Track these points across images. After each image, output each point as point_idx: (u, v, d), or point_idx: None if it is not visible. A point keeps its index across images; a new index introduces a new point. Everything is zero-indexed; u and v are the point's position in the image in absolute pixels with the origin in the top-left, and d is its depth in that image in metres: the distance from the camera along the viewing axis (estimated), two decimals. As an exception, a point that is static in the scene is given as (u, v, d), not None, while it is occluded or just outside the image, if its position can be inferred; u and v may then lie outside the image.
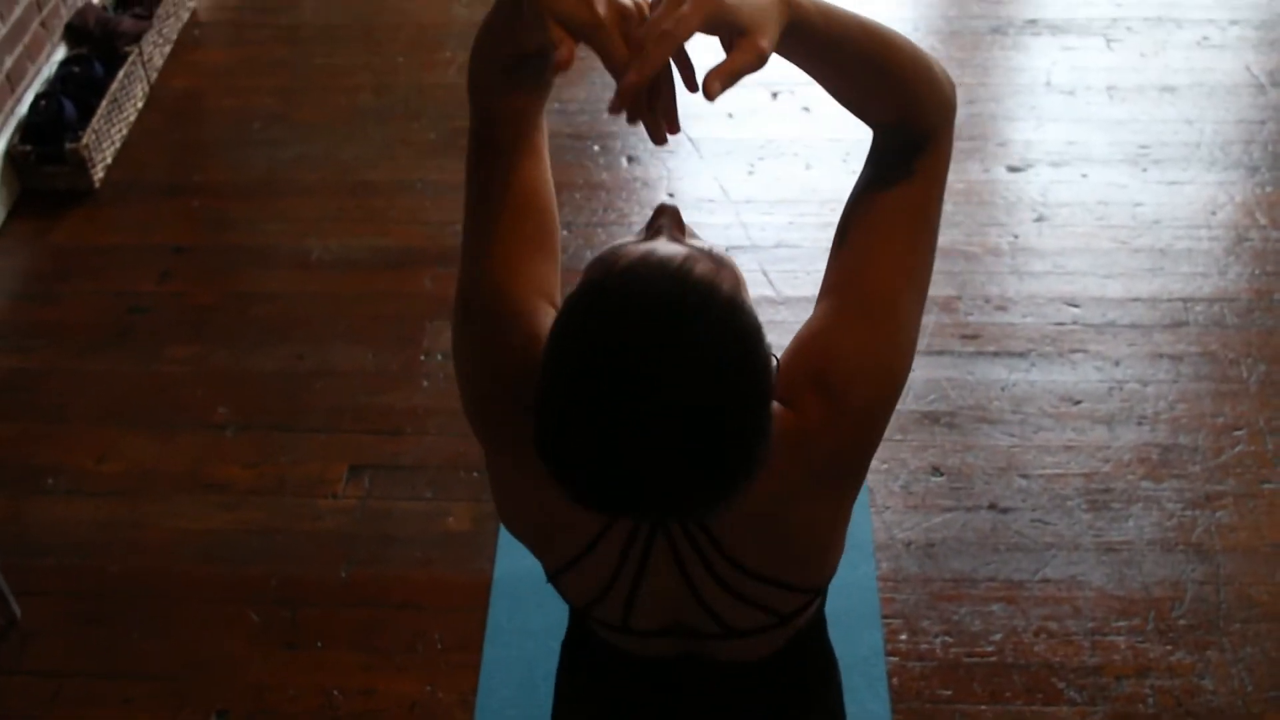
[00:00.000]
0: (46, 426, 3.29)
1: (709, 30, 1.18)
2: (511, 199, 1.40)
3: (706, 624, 1.49)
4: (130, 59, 4.19)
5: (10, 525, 3.06)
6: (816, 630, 1.73)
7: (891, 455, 3.10)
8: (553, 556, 1.47)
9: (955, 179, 3.85)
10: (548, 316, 1.37)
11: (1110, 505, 2.99)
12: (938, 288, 3.48)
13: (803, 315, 1.44)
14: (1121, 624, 2.77)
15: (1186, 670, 2.69)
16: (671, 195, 3.79)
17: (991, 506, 3.00)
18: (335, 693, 2.73)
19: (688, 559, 1.41)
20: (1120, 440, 3.12)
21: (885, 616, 2.80)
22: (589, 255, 2.86)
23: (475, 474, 3.10)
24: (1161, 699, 2.65)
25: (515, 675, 2.73)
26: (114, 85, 4.07)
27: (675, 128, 1.26)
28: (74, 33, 4.27)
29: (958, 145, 3.93)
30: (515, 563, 2.91)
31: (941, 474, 3.07)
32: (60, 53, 4.22)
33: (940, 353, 3.34)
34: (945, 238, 3.62)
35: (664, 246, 1.28)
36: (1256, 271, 3.53)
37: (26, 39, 4.01)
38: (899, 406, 3.16)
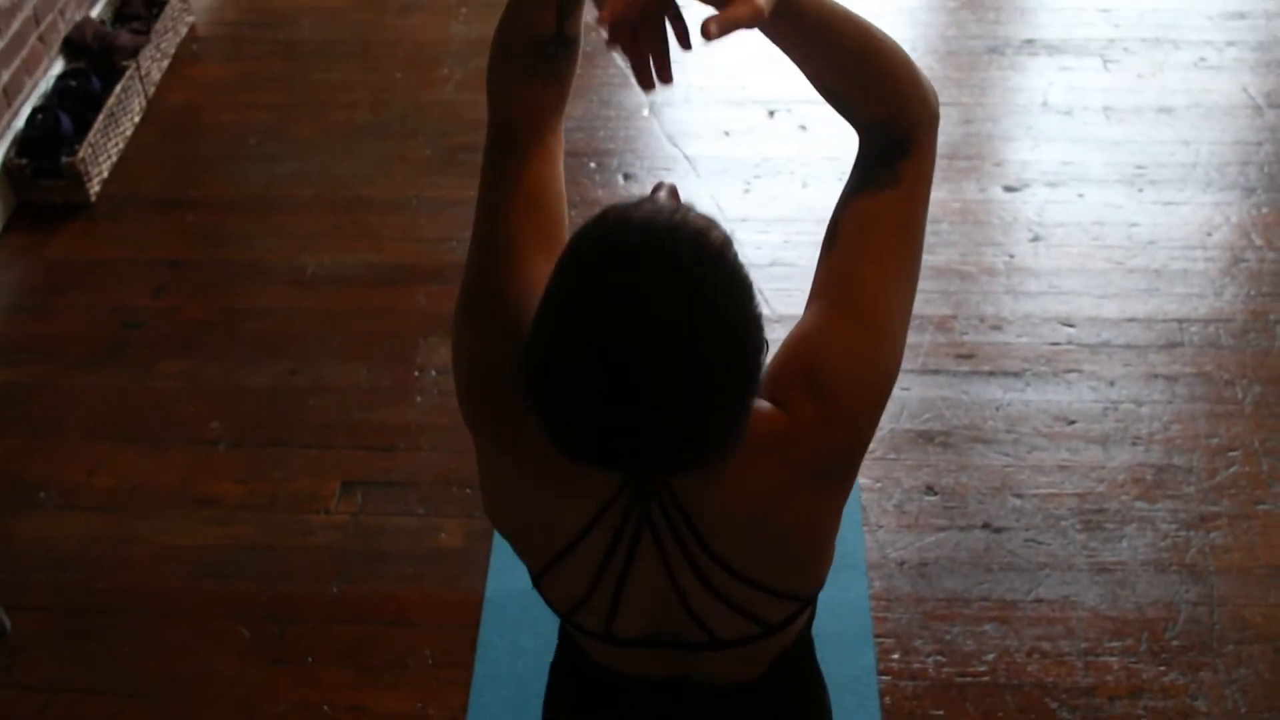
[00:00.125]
0: (39, 441, 3.28)
1: None
2: (519, 196, 1.42)
3: (692, 631, 1.47)
4: (128, 73, 4.19)
5: (0, 539, 3.05)
6: (804, 653, 1.72)
7: (885, 474, 3.10)
8: (539, 554, 1.45)
9: (951, 198, 3.85)
10: None
11: (1104, 525, 2.98)
12: (933, 307, 3.48)
13: (799, 335, 1.44)
14: (1115, 644, 2.76)
15: (1180, 691, 2.68)
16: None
17: (985, 526, 2.99)
18: (325, 709, 2.72)
19: (674, 560, 1.40)
20: (1115, 460, 3.12)
21: (878, 636, 2.79)
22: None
23: (468, 490, 3.09)
24: (1154, 721, 2.64)
25: (506, 693, 2.72)
26: (111, 99, 4.07)
27: (667, 76, 1.32)
28: (72, 47, 4.28)
29: (954, 165, 3.94)
30: (507, 580, 2.90)
31: (935, 493, 3.06)
32: (58, 67, 4.22)
33: (935, 372, 3.34)
34: (941, 257, 3.64)
35: (660, 200, 1.30)
36: (1252, 292, 3.53)
37: (24, 52, 4.02)
38: (894, 425, 3.18)
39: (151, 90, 4.37)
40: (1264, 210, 3.79)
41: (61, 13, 4.25)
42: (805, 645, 1.71)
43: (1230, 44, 4.45)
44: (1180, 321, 3.45)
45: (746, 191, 3.80)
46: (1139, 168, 3.95)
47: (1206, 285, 3.55)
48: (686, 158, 4.01)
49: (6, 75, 3.92)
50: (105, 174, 4.04)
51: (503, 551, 2.95)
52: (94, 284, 3.71)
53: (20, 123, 3.98)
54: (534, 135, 1.43)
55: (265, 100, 4.39)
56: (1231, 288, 3.55)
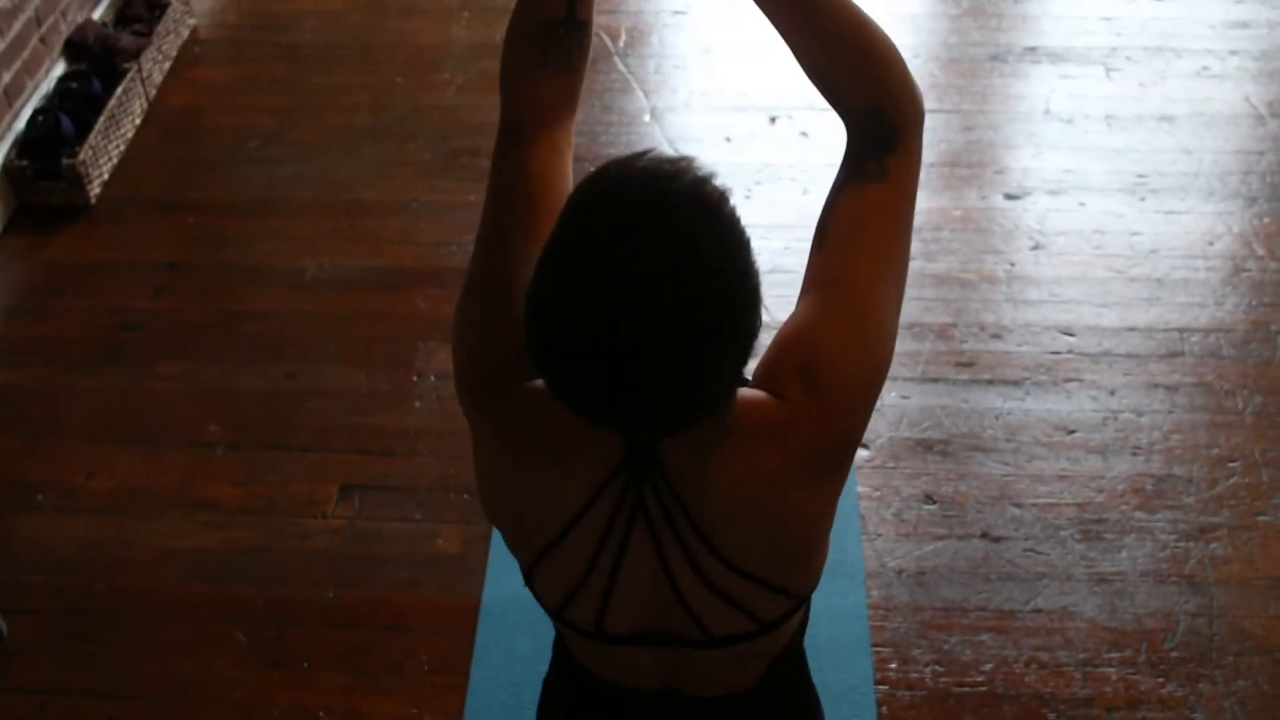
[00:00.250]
0: (37, 442, 3.28)
1: None
2: (524, 188, 1.44)
3: (685, 626, 1.46)
4: (129, 75, 4.19)
5: (-2, 541, 3.05)
6: (797, 665, 1.71)
7: (884, 483, 3.09)
8: (533, 542, 1.44)
9: (952, 205, 3.84)
10: None
11: (1103, 536, 2.97)
12: (933, 315, 3.48)
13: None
14: (1113, 655, 2.76)
15: (1178, 703, 2.67)
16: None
17: (984, 535, 2.98)
18: (321, 714, 2.71)
19: (668, 549, 1.39)
20: (1114, 470, 3.11)
21: (875, 645, 2.78)
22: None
23: (465, 496, 3.08)
24: (1152, 732, 2.63)
25: (502, 699, 2.71)
26: (112, 101, 4.07)
27: None
28: (73, 49, 4.28)
29: (955, 172, 3.94)
30: (504, 586, 2.90)
31: (934, 502, 3.05)
32: (59, 68, 4.22)
33: (935, 380, 3.33)
34: (941, 264, 3.64)
35: (660, 152, 1.32)
36: (1253, 302, 3.52)
37: (25, 54, 4.02)
38: (893, 434, 3.17)
39: (153, 92, 4.37)
40: (1266, 220, 3.78)
41: (63, 14, 4.25)
42: (798, 657, 1.70)
43: (1233, 53, 4.45)
44: (1181, 331, 3.45)
45: (747, 197, 3.79)
46: (1140, 176, 3.95)
47: (1208, 295, 3.55)
48: (687, 163, 4.00)
49: (8, 77, 3.91)
50: (105, 176, 4.04)
51: (500, 557, 2.94)
52: (93, 286, 3.71)
53: (21, 124, 3.98)
54: (542, 129, 1.45)
55: (266, 103, 4.38)
56: (1233, 297, 3.54)
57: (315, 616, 2.88)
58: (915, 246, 3.68)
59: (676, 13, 4.65)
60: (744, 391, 1.37)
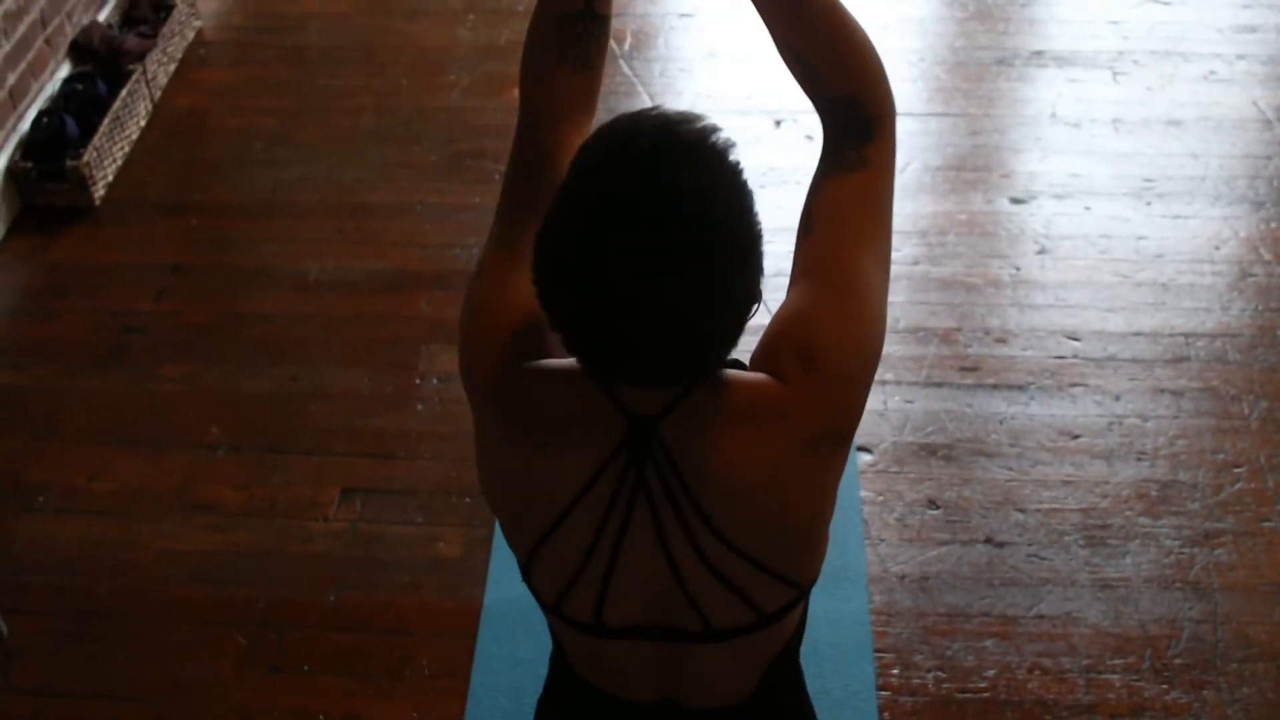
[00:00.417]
0: (38, 444, 3.28)
1: None
2: (541, 178, 1.47)
3: (685, 616, 1.45)
4: (134, 77, 4.19)
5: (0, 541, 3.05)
6: (793, 678, 1.70)
7: (887, 487, 3.08)
8: (534, 527, 1.44)
9: (958, 209, 3.83)
10: None
11: (1107, 541, 2.96)
12: (938, 319, 3.47)
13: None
14: (1117, 662, 2.74)
15: (1182, 710, 2.66)
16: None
17: (987, 540, 2.97)
18: (320, 717, 2.70)
19: (669, 529, 1.39)
20: (1119, 476, 3.10)
21: (877, 650, 2.77)
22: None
23: (467, 499, 3.08)
24: (1156, 739, 2.62)
25: (502, 703, 2.70)
26: (117, 103, 4.07)
27: None
28: (79, 50, 4.28)
29: (961, 176, 3.93)
30: (505, 589, 2.89)
31: (937, 507, 3.04)
32: (64, 70, 4.22)
33: (939, 385, 3.32)
34: (946, 268, 3.63)
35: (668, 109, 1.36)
36: (1260, 307, 3.51)
37: (31, 56, 4.02)
38: (896, 438, 3.16)
39: (158, 94, 4.37)
40: (1273, 224, 3.76)
41: (69, 16, 4.25)
42: (794, 668, 1.69)
43: (1240, 57, 4.43)
44: (1187, 336, 3.43)
45: (752, 201, 3.77)
46: (1147, 180, 3.94)
47: (1214, 300, 3.53)
48: (692, 166, 3.99)
49: (13, 78, 3.91)
50: (110, 178, 4.04)
51: (501, 561, 2.94)
52: (96, 288, 3.70)
53: (26, 126, 3.98)
54: (560, 124, 1.48)
55: (271, 105, 4.38)
56: (1239, 302, 3.52)
57: (316, 619, 2.88)
58: (920, 250, 3.68)
59: (683, 15, 4.64)
60: (744, 374, 1.39)
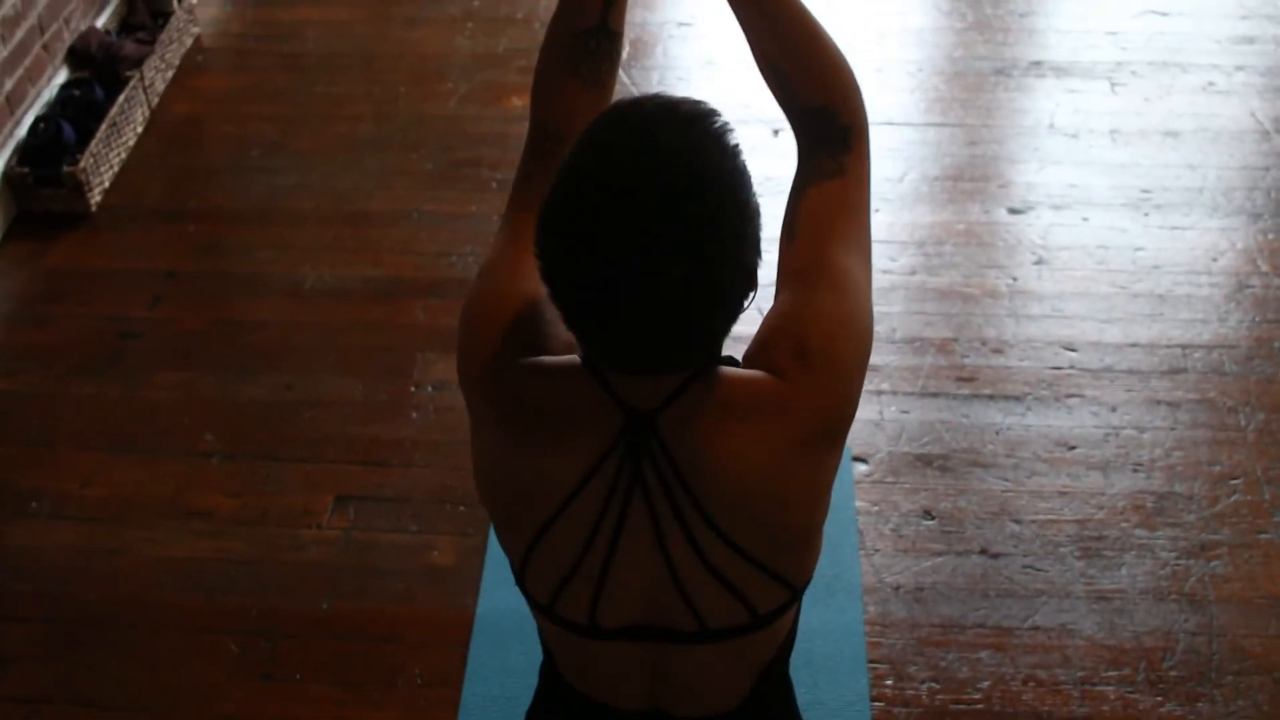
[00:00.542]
0: (32, 450, 3.27)
1: None
2: (542, 195, 1.45)
3: (680, 615, 1.45)
4: (131, 83, 4.18)
5: (-10, 549, 3.04)
6: (783, 689, 1.70)
7: (883, 497, 3.07)
8: (527, 525, 1.44)
9: (955, 219, 3.83)
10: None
11: (1103, 553, 2.95)
12: (934, 329, 3.46)
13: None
14: (1112, 674, 2.73)
15: (1177, 723, 2.65)
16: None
17: (983, 552, 2.96)
18: (312, 727, 2.69)
19: (666, 524, 1.39)
20: (1115, 487, 3.09)
21: (871, 661, 2.76)
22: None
23: (461, 508, 3.07)
24: (1150, 752, 2.61)
25: (495, 713, 2.69)
26: (114, 109, 4.06)
27: None
28: (76, 56, 4.27)
29: (959, 186, 3.93)
30: (499, 598, 2.88)
31: (933, 517, 3.03)
32: (62, 76, 4.21)
33: (935, 395, 3.31)
34: (943, 278, 3.62)
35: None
36: (1257, 319, 3.50)
37: (28, 61, 4.01)
38: (892, 448, 3.15)
39: (155, 101, 4.37)
40: (1270, 236, 3.76)
41: (66, 22, 4.24)
42: (784, 681, 1.69)
43: (1239, 68, 4.43)
44: (1184, 347, 3.42)
45: (749, 210, 3.77)
46: (1145, 191, 3.93)
47: (1211, 311, 3.53)
48: (689, 175, 3.98)
49: (10, 84, 3.91)
50: (106, 184, 4.03)
51: (495, 570, 2.93)
52: (91, 294, 3.70)
53: (22, 131, 3.97)
54: (566, 143, 1.48)
55: (268, 112, 4.38)
56: (1236, 314, 3.52)
57: (308, 628, 2.86)
58: (917, 260, 3.68)
59: (681, 24, 4.64)
60: (740, 370, 1.40)
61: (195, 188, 4.12)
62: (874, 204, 3.82)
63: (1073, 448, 3.18)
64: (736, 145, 1.31)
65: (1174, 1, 4.75)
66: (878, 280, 3.59)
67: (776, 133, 4.16)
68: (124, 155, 4.14)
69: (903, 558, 2.95)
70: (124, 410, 3.35)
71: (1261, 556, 2.94)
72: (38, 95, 4.07)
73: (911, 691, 2.71)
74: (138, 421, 3.32)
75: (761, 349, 1.42)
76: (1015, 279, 3.64)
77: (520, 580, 1.51)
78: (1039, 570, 2.92)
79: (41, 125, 3.96)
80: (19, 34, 3.95)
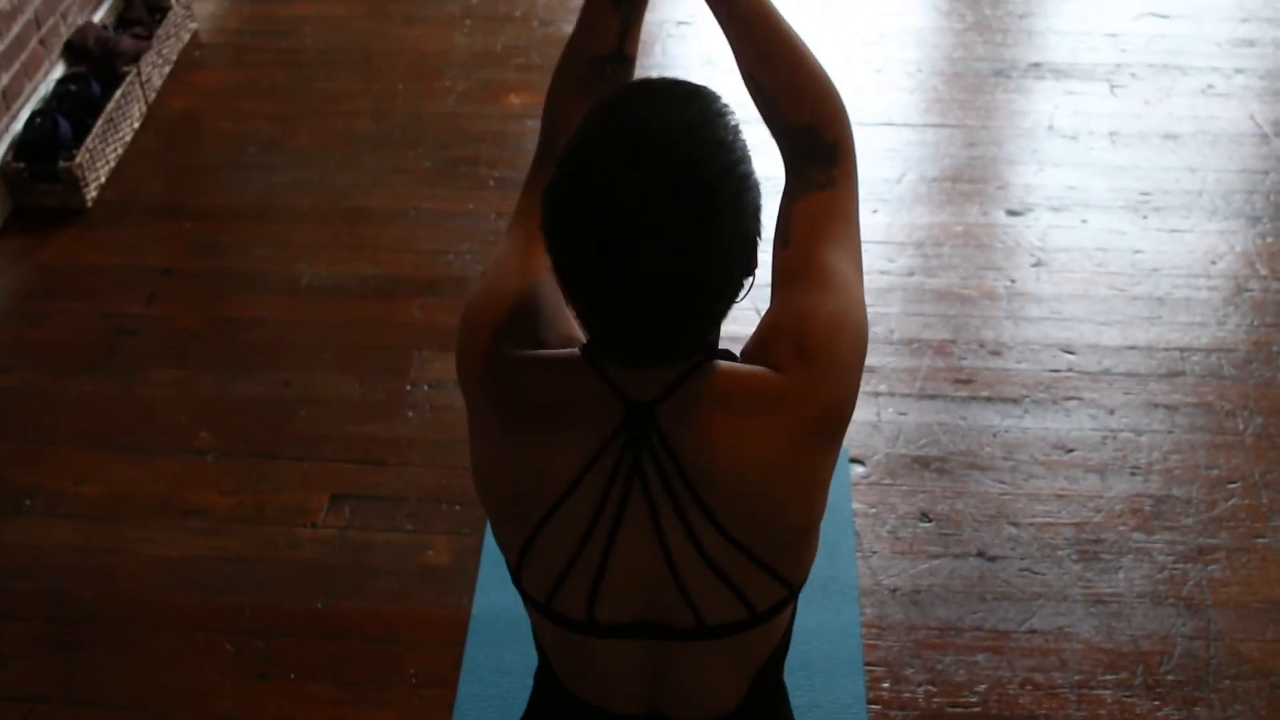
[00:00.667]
0: (27, 447, 3.26)
1: None
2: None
3: (678, 610, 1.45)
4: (128, 79, 4.17)
5: (-15, 546, 3.03)
6: (778, 693, 1.69)
7: (880, 499, 3.06)
8: (525, 519, 1.44)
9: (953, 221, 3.82)
10: (553, 291, 1.48)
11: (1100, 556, 2.94)
12: (932, 331, 3.46)
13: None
14: (1109, 678, 2.73)
15: (1174, 727, 2.65)
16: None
17: (980, 554, 2.95)
18: (307, 726, 2.69)
19: (665, 517, 1.40)
20: (1112, 490, 3.08)
21: (868, 664, 2.75)
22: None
23: (457, 507, 3.06)
24: (1147, 756, 2.60)
25: (490, 713, 2.68)
26: (111, 105, 4.05)
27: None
28: (73, 51, 4.26)
29: (957, 187, 3.92)
30: (494, 598, 2.87)
31: (930, 520, 3.03)
32: (58, 70, 4.20)
33: (933, 397, 3.30)
34: (941, 280, 3.61)
35: None
36: (1255, 322, 3.49)
37: (24, 56, 4.00)
38: (889, 450, 3.15)
39: (152, 96, 4.35)
40: (1269, 239, 3.75)
41: (63, 16, 4.23)
42: (779, 686, 1.69)
43: (1238, 71, 4.43)
44: (1182, 350, 3.42)
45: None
46: (1144, 194, 3.92)
47: (1209, 314, 3.52)
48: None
49: (6, 78, 3.90)
50: (103, 179, 4.02)
51: (491, 569, 2.92)
52: (87, 290, 3.68)
53: (19, 126, 3.96)
54: None
55: (266, 109, 4.36)
56: (1235, 317, 3.51)
57: (303, 627, 2.85)
58: (916, 261, 3.67)
59: (680, 23, 4.63)
60: (740, 365, 1.41)
61: (192, 184, 4.10)
62: (872, 205, 3.84)
63: (1070, 450, 3.17)
64: (737, 123, 1.33)
65: (1174, 4, 4.75)
66: (875, 281, 3.59)
67: (775, 133, 4.15)
68: (120, 151, 4.13)
69: (900, 560, 2.95)
70: (120, 408, 3.34)
71: (1259, 561, 2.94)
72: (34, 90, 4.06)
73: (908, 694, 2.70)
74: (134, 419, 3.31)
75: (760, 345, 1.43)
76: (1013, 281, 3.63)
77: (517, 578, 1.51)
78: (1036, 573, 2.92)
79: (38, 120, 3.95)
80: (15, 28, 3.94)
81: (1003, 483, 3.10)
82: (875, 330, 3.45)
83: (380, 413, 3.30)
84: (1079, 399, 3.29)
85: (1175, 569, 2.92)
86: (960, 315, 3.53)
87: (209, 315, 3.61)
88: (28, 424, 3.32)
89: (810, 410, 1.39)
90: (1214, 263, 3.68)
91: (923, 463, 3.15)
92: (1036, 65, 4.48)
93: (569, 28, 1.64)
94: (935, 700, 2.69)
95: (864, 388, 1.59)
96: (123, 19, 4.53)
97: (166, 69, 4.48)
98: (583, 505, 1.40)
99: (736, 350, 1.47)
